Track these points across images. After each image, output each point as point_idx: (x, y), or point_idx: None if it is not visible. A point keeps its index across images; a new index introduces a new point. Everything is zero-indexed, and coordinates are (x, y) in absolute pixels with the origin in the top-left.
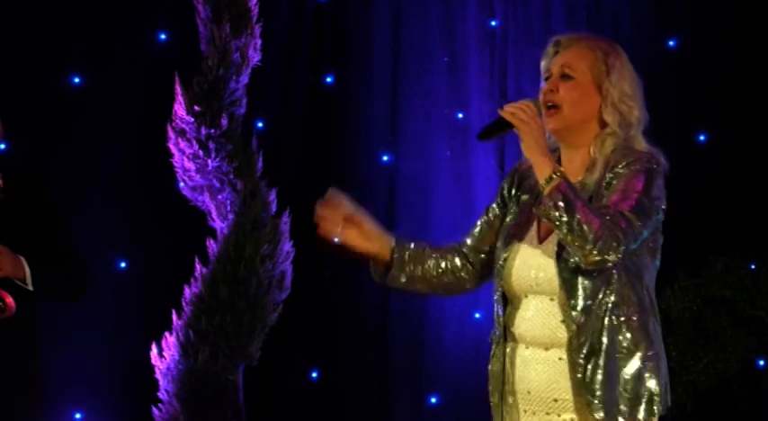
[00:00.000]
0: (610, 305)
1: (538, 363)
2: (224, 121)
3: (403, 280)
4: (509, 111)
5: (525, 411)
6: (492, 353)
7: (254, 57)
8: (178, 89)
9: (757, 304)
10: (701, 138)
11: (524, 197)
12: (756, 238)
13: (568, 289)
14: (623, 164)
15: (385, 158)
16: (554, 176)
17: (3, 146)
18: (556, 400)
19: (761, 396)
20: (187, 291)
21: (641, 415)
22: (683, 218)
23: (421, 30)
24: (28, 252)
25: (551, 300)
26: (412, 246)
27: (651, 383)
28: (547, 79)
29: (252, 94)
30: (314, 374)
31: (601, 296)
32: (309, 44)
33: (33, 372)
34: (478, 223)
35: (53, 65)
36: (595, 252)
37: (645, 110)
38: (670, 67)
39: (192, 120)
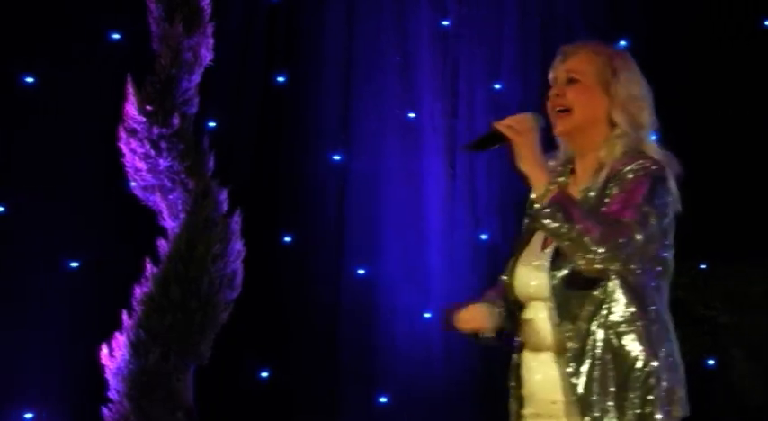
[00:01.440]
0: (603, 313)
1: (539, 366)
2: (176, 121)
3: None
4: (505, 124)
5: (533, 414)
6: (511, 363)
7: (207, 56)
8: (130, 88)
9: (709, 304)
10: (652, 138)
11: (536, 205)
12: (708, 239)
13: (559, 296)
14: (628, 169)
15: (336, 158)
16: (550, 188)
17: None
18: (554, 403)
19: (710, 394)
20: (138, 291)
21: None
22: None
23: (373, 29)
24: None
25: (549, 305)
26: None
27: (647, 391)
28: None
29: (204, 93)
30: (264, 374)
31: (592, 305)
32: (262, 43)
33: None
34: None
35: (5, 64)
36: (597, 260)
37: (655, 116)
38: None
39: (144, 119)
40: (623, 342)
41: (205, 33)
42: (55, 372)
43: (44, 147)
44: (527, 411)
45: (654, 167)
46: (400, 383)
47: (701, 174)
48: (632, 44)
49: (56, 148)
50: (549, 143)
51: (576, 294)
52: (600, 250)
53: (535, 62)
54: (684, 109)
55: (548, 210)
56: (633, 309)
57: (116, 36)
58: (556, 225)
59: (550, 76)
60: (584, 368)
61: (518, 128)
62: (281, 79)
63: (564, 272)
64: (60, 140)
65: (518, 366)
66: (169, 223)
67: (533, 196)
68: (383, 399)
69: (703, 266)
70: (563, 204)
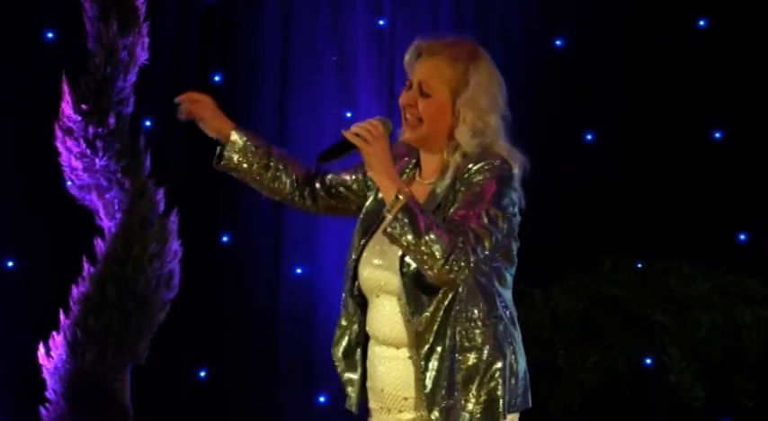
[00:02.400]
0: (453, 310)
1: (389, 361)
2: (111, 120)
3: (236, 172)
4: (353, 132)
5: (381, 408)
6: (339, 339)
7: (142, 55)
8: (65, 88)
9: (644, 303)
10: (588, 137)
11: (381, 195)
12: (643, 237)
13: (411, 293)
14: (474, 169)
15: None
16: (399, 197)
17: None
18: (406, 399)
19: (647, 394)
20: (75, 291)
21: (480, 418)
22: (570, 217)
23: (310, 28)
24: None
25: (399, 300)
26: (255, 145)
27: (494, 386)
28: (409, 88)
29: (139, 92)
30: (202, 374)
31: (443, 301)
32: (197, 43)
33: None
34: (348, 176)
35: None
36: (446, 270)
37: (504, 116)
38: (558, 66)
39: (80, 118)
40: (471, 339)
41: (140, 33)
42: None
43: None
44: (374, 405)
45: (499, 166)
46: (338, 382)
47: (639, 174)
48: (567, 42)
49: None
50: None
51: (426, 291)
52: (449, 261)
53: None
54: (620, 108)
55: (396, 221)
56: (482, 306)
57: (50, 35)
58: (404, 236)
59: (405, 65)
60: (434, 364)
61: (366, 136)
62: (217, 78)
63: (414, 267)
64: None
65: (362, 354)
66: (106, 223)
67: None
68: (322, 399)
69: (639, 265)
70: (412, 214)
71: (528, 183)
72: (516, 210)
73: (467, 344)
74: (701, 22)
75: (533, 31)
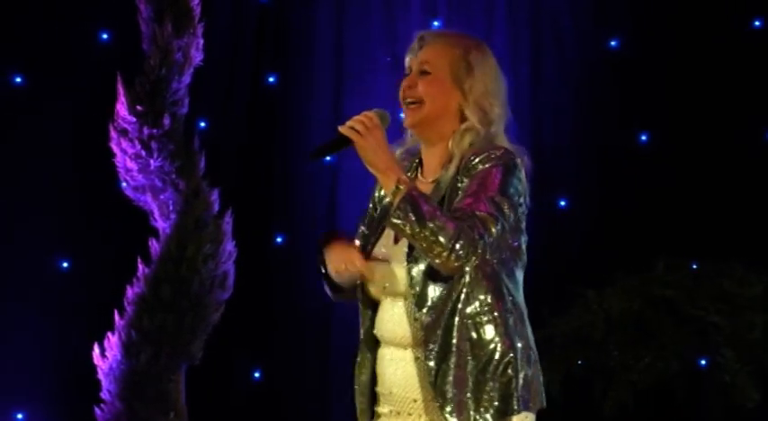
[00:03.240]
0: (460, 305)
1: (398, 363)
2: (166, 121)
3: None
4: (348, 126)
5: (391, 412)
6: (359, 360)
7: (197, 56)
8: (120, 89)
9: (698, 304)
10: (643, 138)
11: (386, 199)
12: (697, 238)
13: (417, 290)
14: (478, 159)
15: (327, 158)
16: (399, 187)
17: None
18: (415, 400)
19: (701, 396)
20: (129, 291)
21: (493, 414)
22: (623, 218)
23: (363, 30)
24: None
25: (405, 299)
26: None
27: (507, 381)
28: (406, 76)
29: (194, 93)
30: (256, 374)
31: (450, 296)
32: (252, 44)
33: None
34: (360, 231)
35: None
36: (453, 258)
37: (507, 108)
38: (611, 67)
39: (134, 119)
40: (481, 333)
41: (195, 34)
42: (47, 372)
43: (34, 146)
44: (383, 409)
45: (503, 155)
46: None
47: (693, 175)
48: (622, 42)
49: (46, 148)
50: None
51: (433, 287)
52: (455, 248)
53: (525, 60)
54: (675, 109)
55: (399, 211)
56: (490, 300)
57: (105, 36)
58: (408, 225)
59: (406, 62)
60: (443, 362)
61: (360, 129)
62: (271, 79)
63: (421, 265)
64: (51, 140)
65: (372, 362)
66: (160, 223)
67: (376, 191)
68: None
69: (695, 266)
70: (414, 203)
71: (582, 185)
72: (522, 200)
73: (476, 339)
74: (757, 23)
75: (587, 31)
